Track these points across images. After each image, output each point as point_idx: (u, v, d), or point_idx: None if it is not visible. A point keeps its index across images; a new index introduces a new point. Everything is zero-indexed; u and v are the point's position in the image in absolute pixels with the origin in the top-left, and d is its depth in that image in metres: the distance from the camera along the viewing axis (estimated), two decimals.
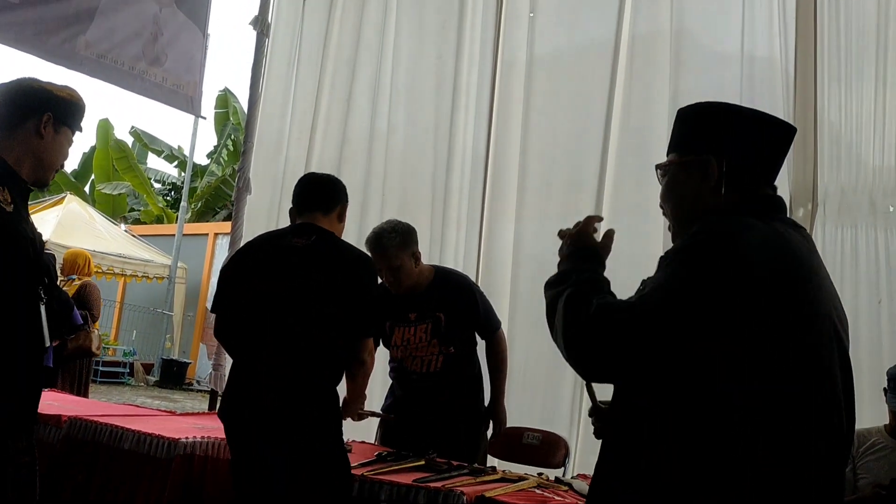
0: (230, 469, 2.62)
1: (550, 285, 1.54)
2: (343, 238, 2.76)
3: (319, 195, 2.73)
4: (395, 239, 3.27)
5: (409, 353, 3.39)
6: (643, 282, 1.48)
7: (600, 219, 1.66)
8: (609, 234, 1.65)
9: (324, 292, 2.50)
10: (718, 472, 1.32)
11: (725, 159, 1.52)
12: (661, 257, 1.46)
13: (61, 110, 2.18)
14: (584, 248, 1.59)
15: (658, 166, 1.66)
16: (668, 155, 1.65)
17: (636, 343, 1.35)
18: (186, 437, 2.87)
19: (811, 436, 1.36)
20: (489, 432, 3.52)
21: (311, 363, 2.49)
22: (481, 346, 3.55)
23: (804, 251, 1.46)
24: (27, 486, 2.12)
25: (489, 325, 3.48)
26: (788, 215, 3.70)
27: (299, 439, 2.43)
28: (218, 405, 2.62)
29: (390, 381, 3.60)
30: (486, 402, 3.52)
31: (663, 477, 1.36)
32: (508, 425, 3.80)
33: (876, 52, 3.57)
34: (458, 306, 3.38)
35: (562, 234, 1.65)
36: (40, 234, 2.22)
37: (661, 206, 1.66)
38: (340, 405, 2.62)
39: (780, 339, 1.34)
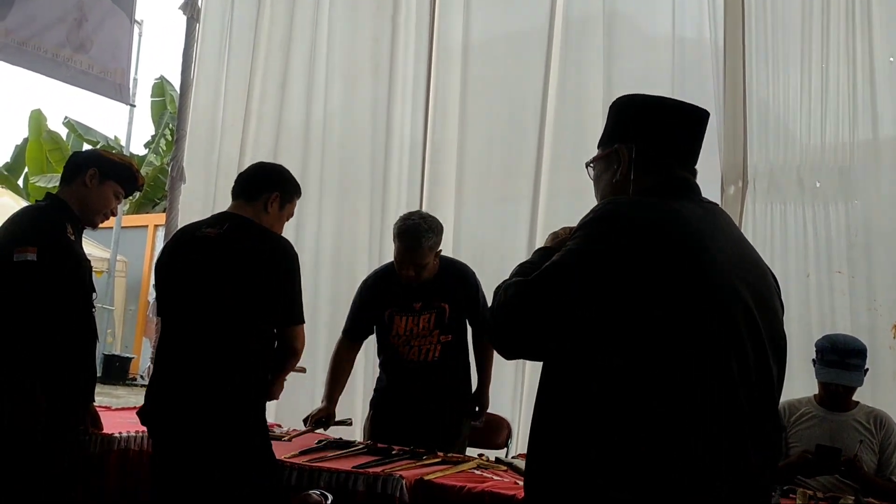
0: (150, 466, 2.61)
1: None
2: (282, 227, 2.70)
3: (244, 183, 2.69)
4: (432, 240, 3.20)
5: (408, 343, 3.32)
6: None
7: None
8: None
9: (238, 282, 2.43)
10: (608, 451, 1.36)
11: (635, 146, 1.56)
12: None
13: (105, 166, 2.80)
14: (545, 249, 1.64)
15: (587, 164, 1.71)
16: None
17: (526, 314, 1.42)
18: (121, 433, 2.85)
19: (698, 413, 1.35)
20: (477, 419, 3.47)
21: (227, 358, 2.43)
22: None
23: (701, 226, 1.46)
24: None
25: (483, 316, 3.43)
26: (721, 194, 3.77)
27: (216, 439, 2.41)
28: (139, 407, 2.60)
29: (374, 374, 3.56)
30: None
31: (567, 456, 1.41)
32: None
33: (801, 31, 3.65)
34: (461, 297, 3.35)
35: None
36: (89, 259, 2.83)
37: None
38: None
39: (661, 311, 1.37)
